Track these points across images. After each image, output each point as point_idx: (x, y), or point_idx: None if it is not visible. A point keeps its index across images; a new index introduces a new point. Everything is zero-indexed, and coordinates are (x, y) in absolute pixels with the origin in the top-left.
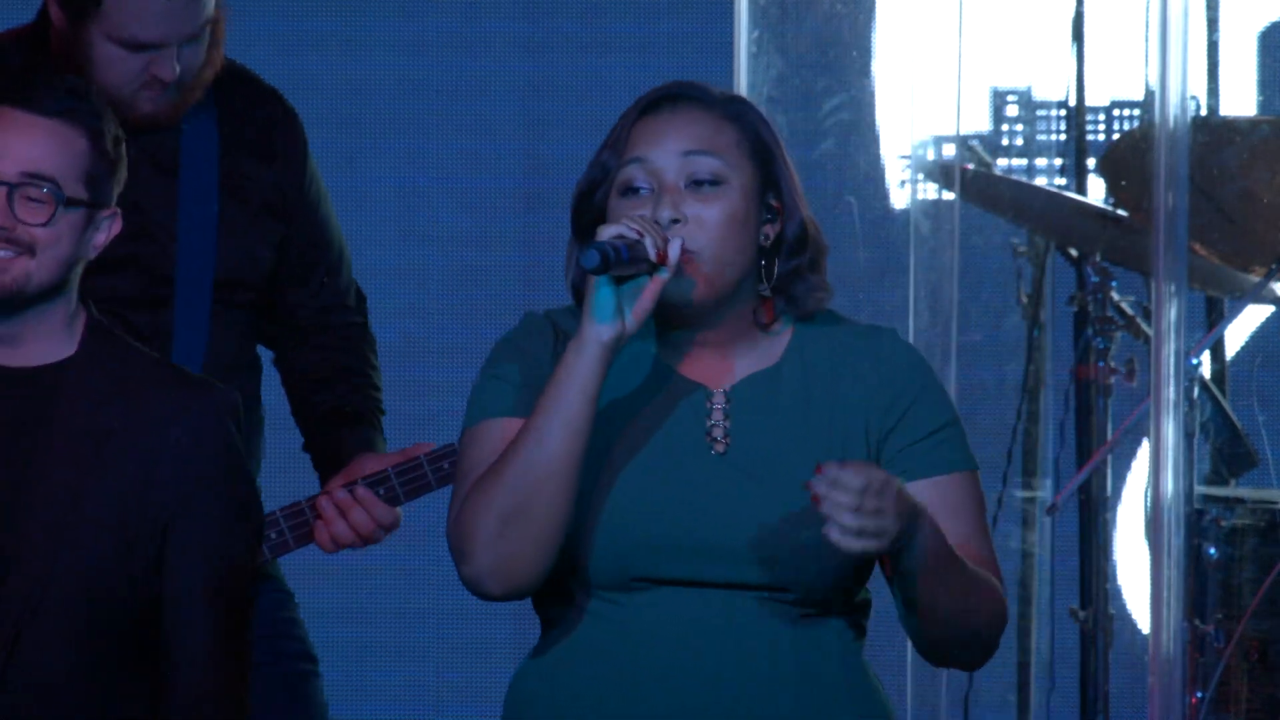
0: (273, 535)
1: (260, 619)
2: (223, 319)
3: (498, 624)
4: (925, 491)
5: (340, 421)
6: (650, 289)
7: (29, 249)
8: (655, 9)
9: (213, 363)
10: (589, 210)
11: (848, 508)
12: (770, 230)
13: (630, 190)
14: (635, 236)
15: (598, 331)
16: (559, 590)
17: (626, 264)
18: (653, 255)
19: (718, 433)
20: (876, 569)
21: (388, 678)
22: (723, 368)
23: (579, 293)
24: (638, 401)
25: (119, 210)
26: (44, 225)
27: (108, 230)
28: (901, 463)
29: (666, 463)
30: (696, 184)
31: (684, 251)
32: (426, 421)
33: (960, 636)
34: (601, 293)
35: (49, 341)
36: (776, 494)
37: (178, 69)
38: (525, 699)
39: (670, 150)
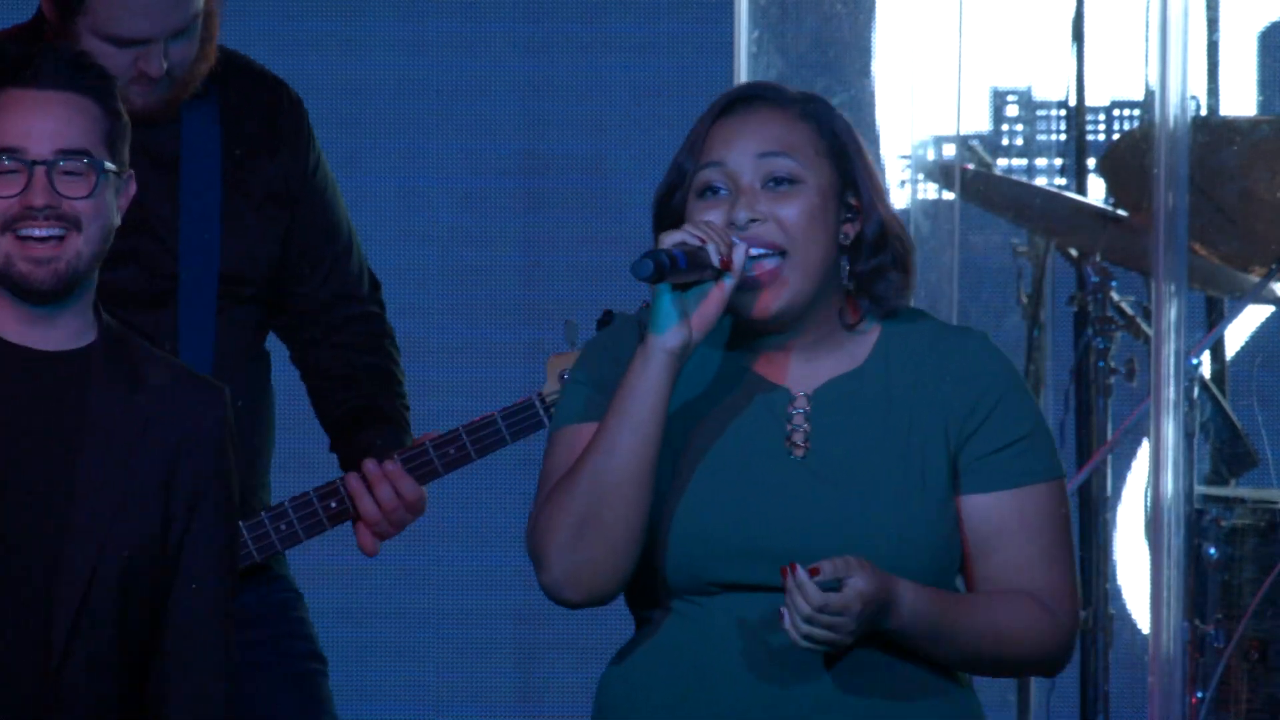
0: (282, 526)
1: (270, 619)
2: (229, 313)
3: (498, 624)
4: (999, 505)
5: (368, 422)
6: (715, 296)
7: (75, 224)
8: (655, 9)
9: (221, 358)
10: (668, 214)
11: (803, 616)
12: (850, 229)
13: (707, 191)
14: (697, 243)
15: (662, 340)
16: (644, 592)
17: (686, 271)
18: (716, 261)
19: (798, 437)
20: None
21: (388, 678)
22: (807, 371)
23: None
24: (719, 406)
25: (133, 171)
26: (87, 198)
27: (127, 193)
28: (977, 473)
29: (744, 468)
30: (774, 183)
31: (758, 259)
32: (426, 421)
33: (982, 672)
34: (663, 300)
35: (77, 324)
36: (854, 498)
37: (165, 64)
38: (611, 701)
39: (746, 152)
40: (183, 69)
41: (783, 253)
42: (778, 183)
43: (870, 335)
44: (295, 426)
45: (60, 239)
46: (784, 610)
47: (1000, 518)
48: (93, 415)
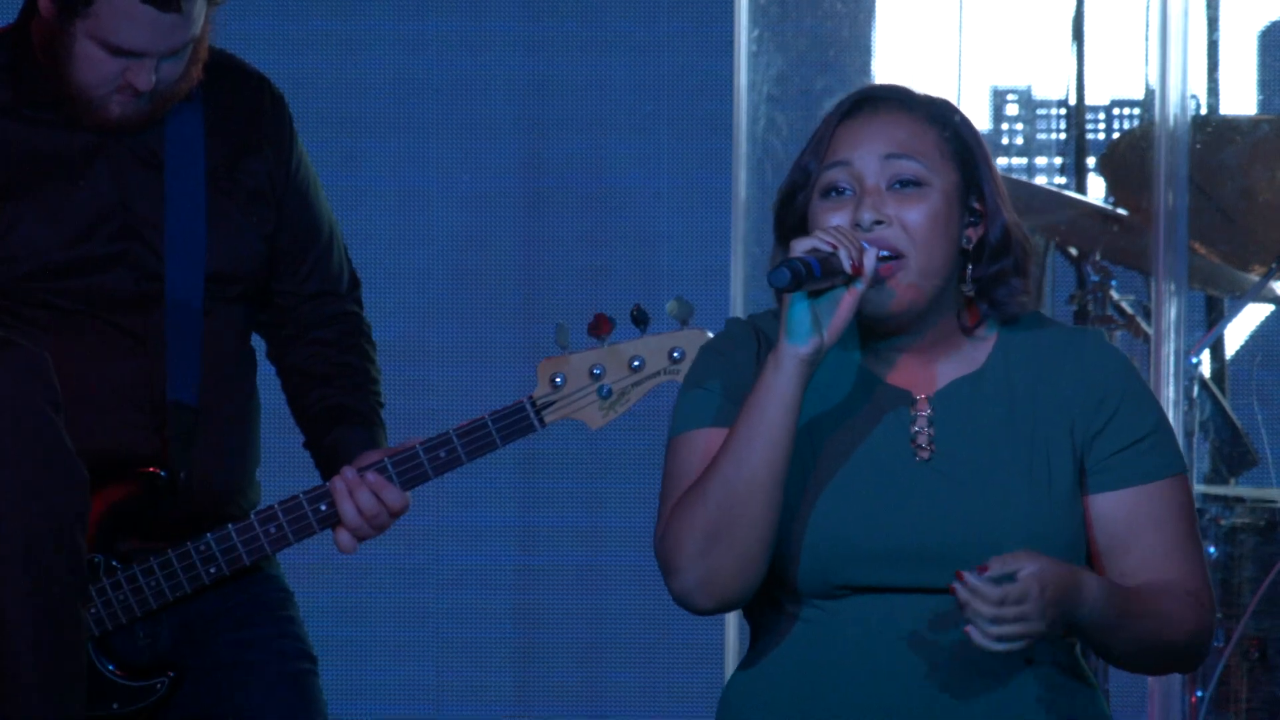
0: (271, 529)
1: (261, 618)
2: (216, 314)
3: (497, 623)
4: (1131, 501)
5: (342, 419)
6: (846, 302)
7: None
8: (655, 9)
9: (208, 358)
10: (791, 214)
11: (987, 617)
12: (973, 233)
13: (832, 191)
14: (829, 249)
15: (795, 348)
16: (767, 598)
17: (820, 279)
18: (848, 267)
19: (922, 439)
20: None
21: (386, 676)
22: (927, 374)
23: (782, 297)
24: (841, 410)
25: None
26: None
27: None
28: (1106, 472)
29: (870, 470)
30: (899, 185)
31: (884, 261)
32: (426, 421)
33: (1144, 665)
34: (797, 308)
35: None
36: (981, 499)
37: (154, 80)
38: (738, 708)
39: (872, 153)
40: (166, 86)
41: (902, 256)
42: (904, 185)
43: (988, 341)
44: (284, 426)
45: None
46: (969, 629)
47: (1133, 514)
48: None
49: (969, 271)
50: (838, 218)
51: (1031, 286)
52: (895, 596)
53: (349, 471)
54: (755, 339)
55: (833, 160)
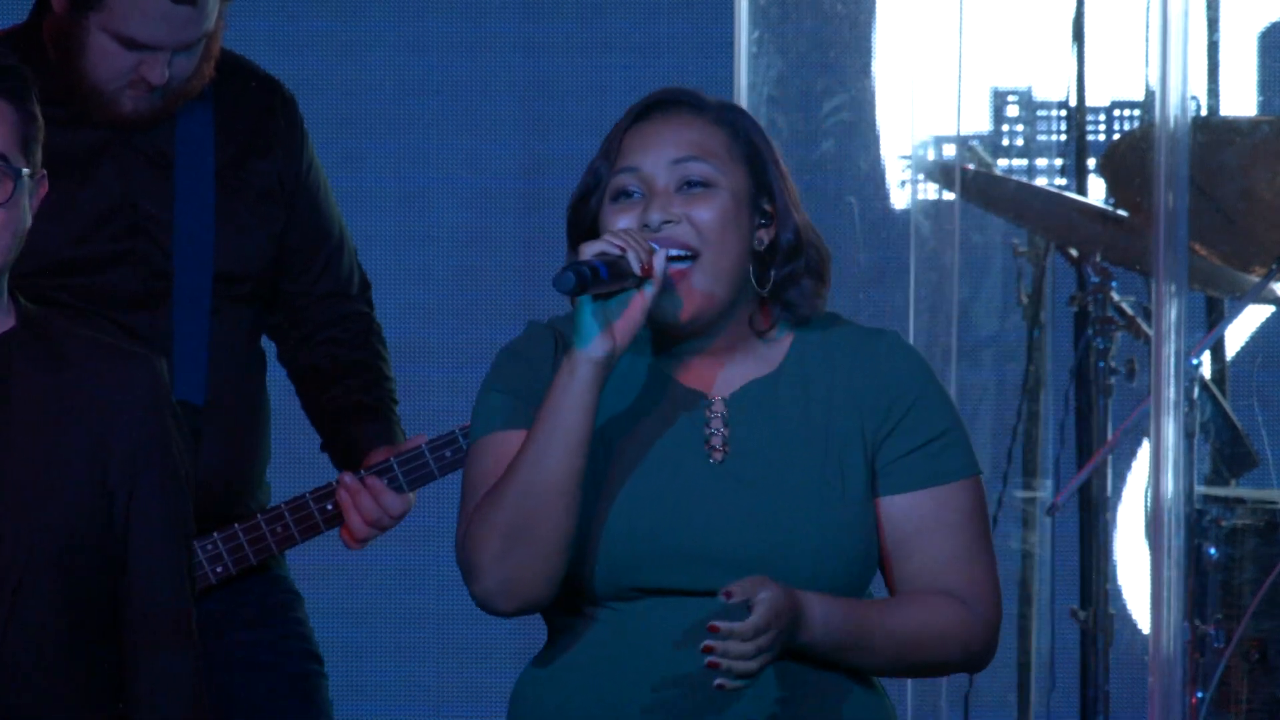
0: (278, 529)
1: (269, 619)
2: (224, 314)
3: (497, 625)
4: (917, 504)
5: (358, 417)
6: (637, 304)
7: None
8: (655, 9)
9: (216, 358)
10: (583, 219)
11: (749, 655)
12: (765, 235)
13: (621, 195)
14: (618, 252)
15: (587, 351)
16: (563, 599)
17: (607, 281)
18: (637, 269)
19: (716, 441)
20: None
21: (387, 677)
22: (722, 375)
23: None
24: (637, 411)
25: (45, 171)
26: (4, 204)
27: (39, 195)
28: (894, 474)
29: (664, 472)
30: (688, 185)
31: (676, 261)
32: (427, 421)
33: (905, 674)
34: (586, 312)
35: None
36: (773, 503)
37: (167, 74)
38: (528, 706)
39: (661, 157)
40: (179, 81)
41: (695, 255)
42: (691, 185)
43: (784, 341)
44: (293, 426)
45: None
46: (721, 680)
47: (919, 517)
48: (15, 399)
49: (769, 274)
50: (626, 220)
51: (825, 289)
52: (687, 600)
53: (348, 477)
54: (554, 341)
55: (623, 165)
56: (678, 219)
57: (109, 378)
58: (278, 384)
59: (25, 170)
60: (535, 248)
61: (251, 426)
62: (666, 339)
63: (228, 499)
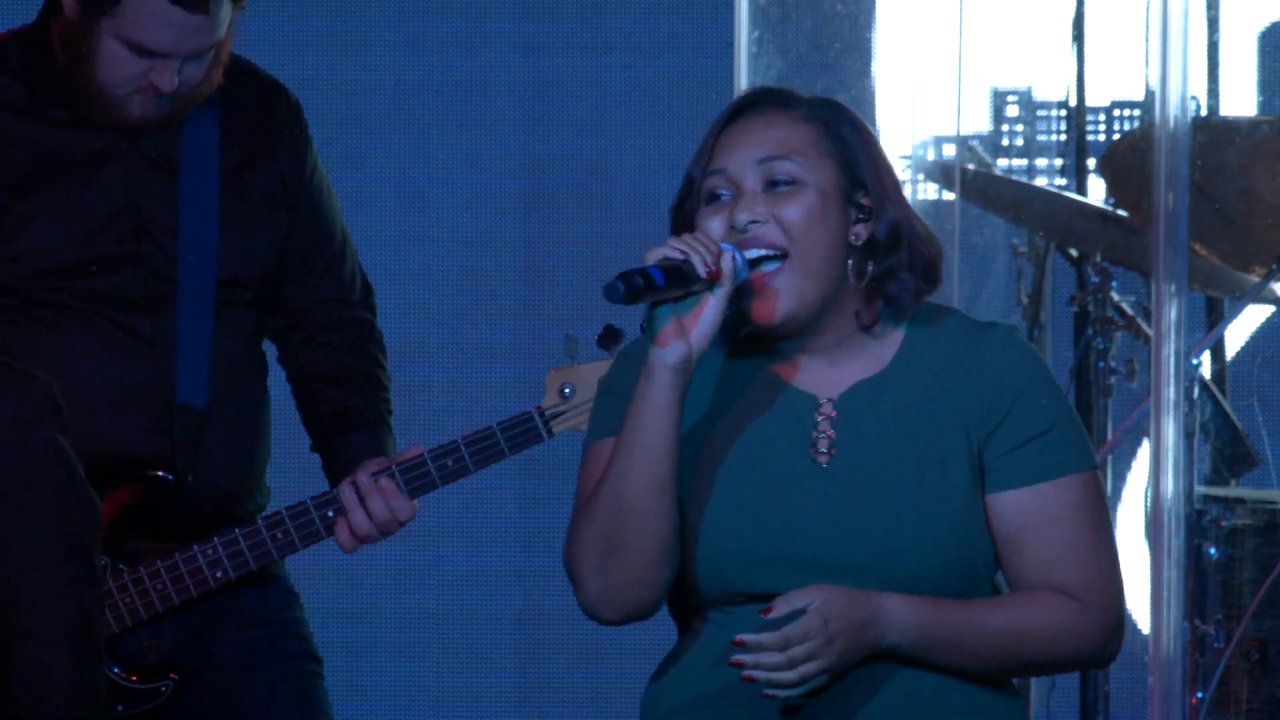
0: (278, 535)
1: (267, 619)
2: (227, 318)
3: (498, 625)
4: (1024, 500)
5: (350, 424)
6: (708, 307)
7: None
8: (655, 9)
9: (218, 362)
10: (682, 222)
11: (783, 665)
12: (863, 229)
13: (712, 197)
14: (680, 256)
15: (661, 356)
16: (684, 603)
17: (667, 288)
18: (702, 272)
19: (822, 444)
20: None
21: (387, 678)
22: (831, 375)
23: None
24: (743, 413)
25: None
26: None
27: None
28: (1000, 470)
29: (769, 475)
30: (773, 185)
31: (765, 260)
32: (427, 421)
33: (1015, 673)
34: (660, 316)
35: None
36: (878, 505)
37: (176, 81)
38: (651, 710)
39: (748, 158)
40: (188, 88)
41: (784, 255)
42: (777, 184)
43: (895, 337)
44: (293, 428)
45: None
46: (770, 691)
47: (1025, 513)
48: None
49: (856, 267)
50: (716, 222)
51: (932, 284)
52: None
53: (364, 477)
54: None
55: (713, 168)
56: (764, 219)
57: None
58: (278, 386)
59: None
60: (535, 248)
61: (252, 430)
62: (769, 339)
63: (228, 502)
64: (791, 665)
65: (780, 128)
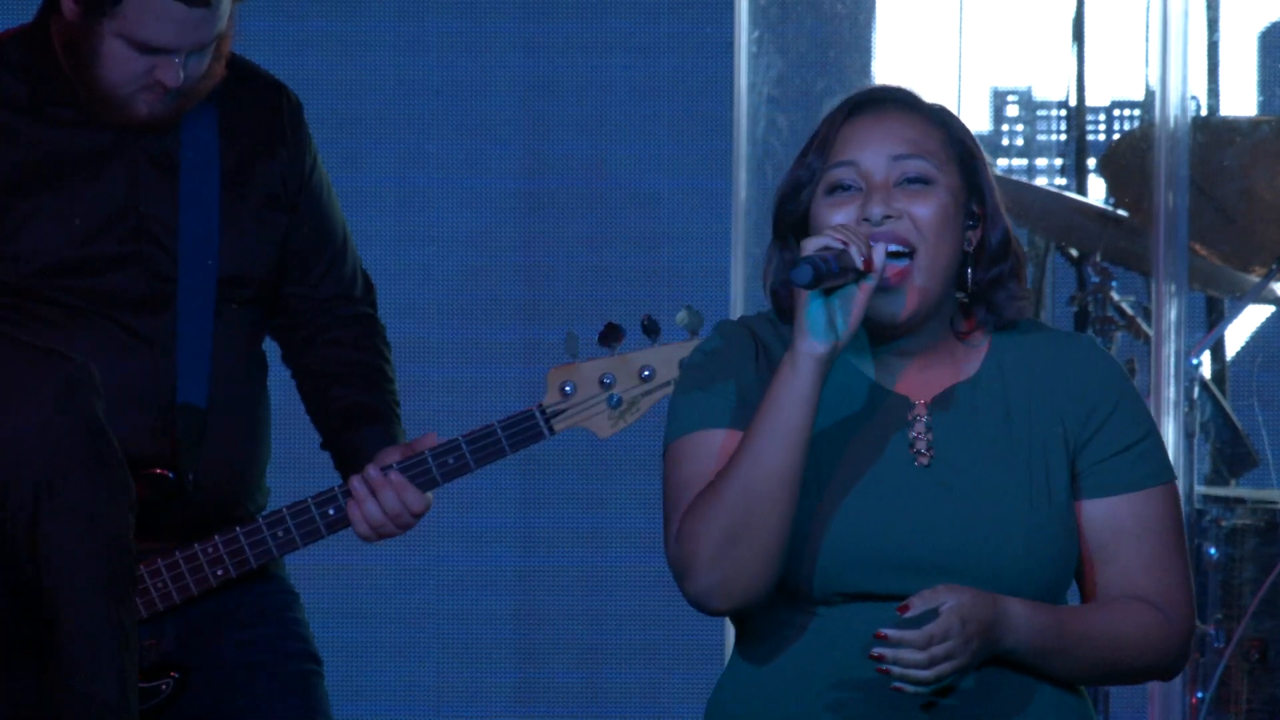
0: (279, 533)
1: (266, 619)
2: (227, 317)
3: (498, 625)
4: (1116, 509)
5: (360, 418)
6: (860, 298)
7: None
8: (655, 9)
9: (219, 361)
10: (792, 213)
11: (922, 664)
12: (973, 236)
13: (837, 189)
14: (841, 246)
15: (812, 346)
16: (767, 603)
17: (835, 275)
18: (859, 263)
19: (921, 445)
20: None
21: (386, 678)
22: (923, 379)
23: (778, 298)
24: (842, 415)
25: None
26: None
27: None
28: (1095, 478)
29: (871, 476)
30: (908, 182)
31: (894, 257)
32: (427, 421)
33: (1101, 681)
34: (814, 306)
35: None
36: (980, 507)
37: (181, 76)
38: (726, 712)
39: (880, 153)
40: (192, 82)
41: (911, 252)
42: (911, 182)
43: (981, 347)
44: (293, 427)
45: None
46: (900, 684)
47: (1118, 522)
48: None
49: (969, 275)
50: (842, 215)
51: (1029, 292)
52: (893, 605)
53: (373, 470)
54: (753, 343)
55: (841, 159)
56: (899, 214)
57: (13, 380)
58: (278, 385)
59: None
60: (535, 247)
61: (253, 429)
62: (874, 341)
63: (228, 501)
64: (931, 664)
65: (912, 127)
